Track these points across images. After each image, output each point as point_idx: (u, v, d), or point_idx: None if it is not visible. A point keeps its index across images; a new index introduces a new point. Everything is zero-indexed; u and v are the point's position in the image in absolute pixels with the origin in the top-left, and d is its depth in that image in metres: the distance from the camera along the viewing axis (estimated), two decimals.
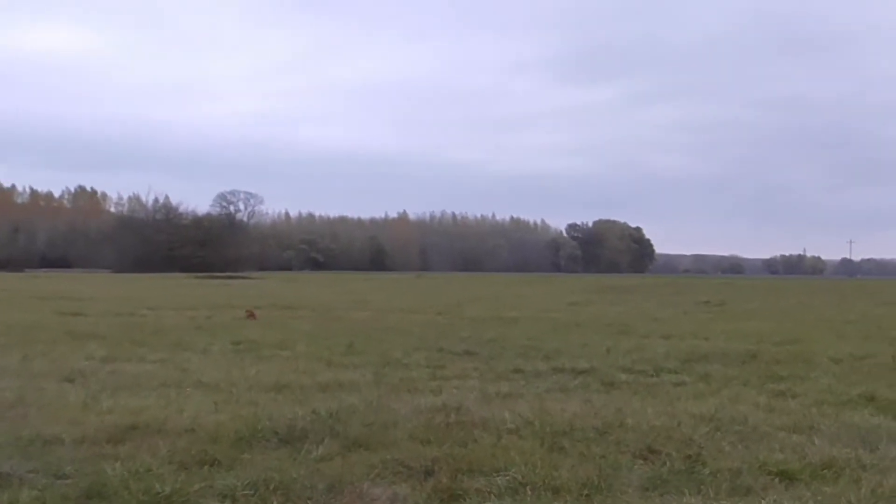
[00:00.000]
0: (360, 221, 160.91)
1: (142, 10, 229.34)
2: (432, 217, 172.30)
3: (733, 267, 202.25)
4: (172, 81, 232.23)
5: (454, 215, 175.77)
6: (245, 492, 5.43)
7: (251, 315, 19.72)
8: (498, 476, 5.68)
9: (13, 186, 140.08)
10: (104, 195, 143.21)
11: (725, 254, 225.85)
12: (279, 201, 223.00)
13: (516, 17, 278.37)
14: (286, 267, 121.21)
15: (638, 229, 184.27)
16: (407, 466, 5.99)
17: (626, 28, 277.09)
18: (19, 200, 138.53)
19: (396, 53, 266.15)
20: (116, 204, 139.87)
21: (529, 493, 5.42)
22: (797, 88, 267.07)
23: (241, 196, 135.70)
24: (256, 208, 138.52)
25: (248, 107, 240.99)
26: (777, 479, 5.76)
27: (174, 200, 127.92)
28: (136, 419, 7.51)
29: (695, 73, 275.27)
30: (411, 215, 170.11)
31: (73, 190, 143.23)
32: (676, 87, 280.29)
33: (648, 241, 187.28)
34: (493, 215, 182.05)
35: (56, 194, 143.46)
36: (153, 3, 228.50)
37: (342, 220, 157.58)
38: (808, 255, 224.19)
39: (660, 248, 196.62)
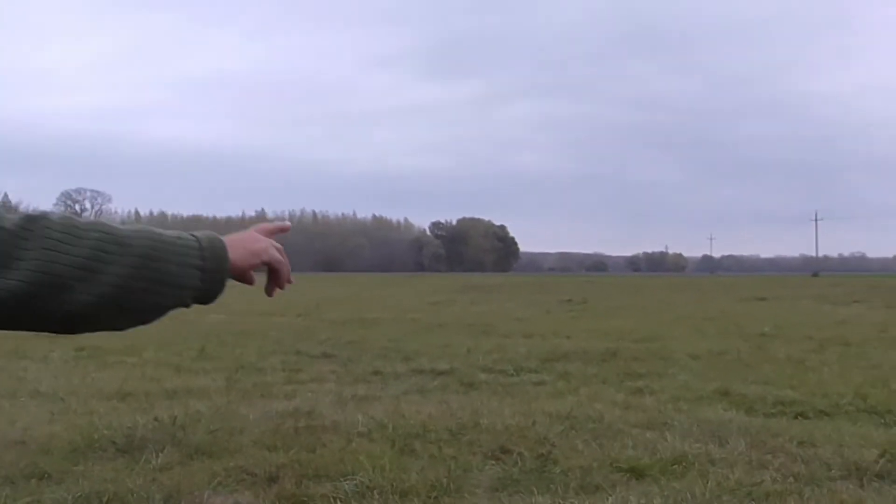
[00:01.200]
0: (215, 221, 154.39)
1: None
2: (291, 215, 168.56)
3: (597, 265, 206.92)
4: (4, 71, 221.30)
5: (314, 214, 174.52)
6: None
7: None
8: (345, 481, 5.49)
9: None
10: None
11: (590, 252, 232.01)
12: (128, 200, 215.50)
13: (375, 10, 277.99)
14: None
15: (502, 227, 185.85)
16: (251, 473, 5.74)
17: (486, 22, 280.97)
18: None
19: (252, 46, 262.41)
20: None
21: (377, 496, 5.26)
22: (654, 87, 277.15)
23: (88, 194, 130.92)
24: (104, 207, 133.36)
25: (91, 99, 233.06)
26: (627, 476, 5.74)
27: (14, 199, 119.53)
28: None
29: (555, 70, 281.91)
30: (269, 214, 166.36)
31: None
32: (537, 84, 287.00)
33: (513, 239, 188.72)
34: (355, 213, 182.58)
35: None
36: None
37: (196, 220, 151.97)
38: (671, 252, 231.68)
39: (524, 246, 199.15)
